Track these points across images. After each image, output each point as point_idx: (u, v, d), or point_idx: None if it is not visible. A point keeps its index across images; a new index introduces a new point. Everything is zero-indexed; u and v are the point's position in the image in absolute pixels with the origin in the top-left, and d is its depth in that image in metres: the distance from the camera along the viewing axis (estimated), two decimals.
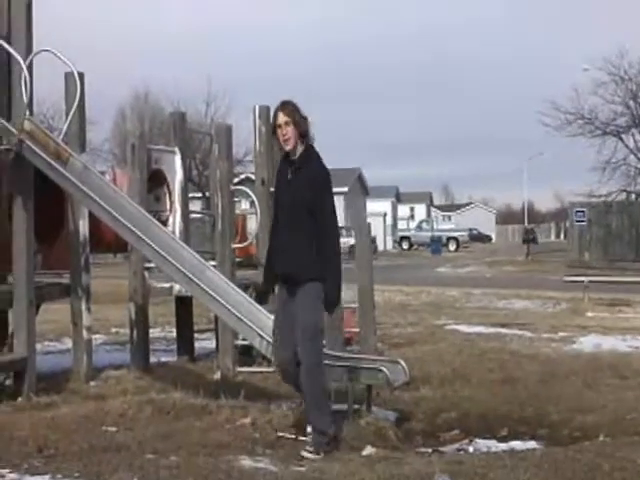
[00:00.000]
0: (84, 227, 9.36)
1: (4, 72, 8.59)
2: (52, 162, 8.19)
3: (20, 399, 8.12)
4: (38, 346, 9.14)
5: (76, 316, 9.30)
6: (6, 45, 8.40)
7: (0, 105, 8.51)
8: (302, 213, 6.57)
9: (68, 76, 9.30)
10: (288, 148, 6.64)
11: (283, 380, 7.03)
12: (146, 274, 10.10)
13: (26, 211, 8.53)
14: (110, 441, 6.67)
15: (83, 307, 9.27)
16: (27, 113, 8.33)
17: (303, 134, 6.65)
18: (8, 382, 8.64)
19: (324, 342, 7.23)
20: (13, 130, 8.26)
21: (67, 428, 7.02)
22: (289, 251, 6.63)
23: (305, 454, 6.48)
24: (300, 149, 6.68)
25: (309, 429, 6.74)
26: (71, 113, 9.04)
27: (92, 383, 9.00)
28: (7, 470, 5.93)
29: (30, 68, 8.44)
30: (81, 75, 9.12)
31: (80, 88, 8.98)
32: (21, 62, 8.30)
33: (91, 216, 9.07)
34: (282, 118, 6.61)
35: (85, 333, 9.24)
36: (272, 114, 6.80)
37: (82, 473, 5.79)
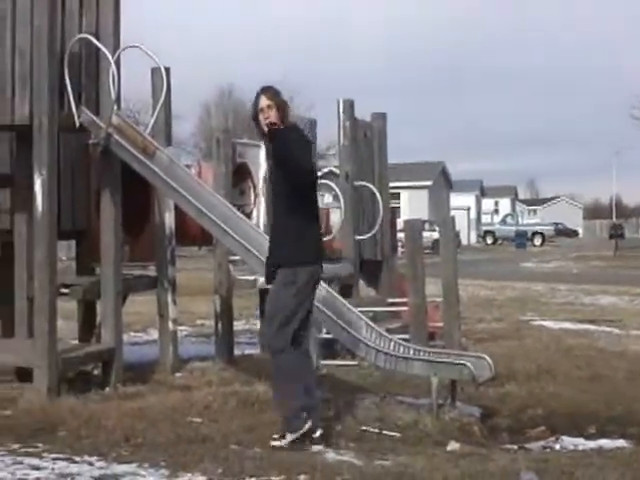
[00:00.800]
0: (170, 220, 9.48)
1: (93, 67, 8.72)
2: (139, 155, 8.31)
3: (108, 389, 8.26)
4: (125, 337, 9.27)
5: (162, 308, 9.42)
6: (95, 41, 8.53)
7: (89, 100, 8.65)
8: (279, 194, 6.55)
9: (155, 71, 9.44)
10: None
11: None
12: (231, 267, 10.18)
13: (114, 204, 8.67)
14: (195, 432, 6.73)
15: (169, 299, 9.39)
16: (115, 108, 8.46)
17: (284, 118, 6.55)
18: (96, 372, 8.81)
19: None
20: (101, 124, 8.40)
21: (153, 418, 7.09)
22: (270, 238, 6.76)
23: (272, 442, 6.37)
24: None
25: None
26: (157, 107, 9.15)
27: (178, 374, 9.11)
28: (95, 458, 6.05)
29: (118, 63, 8.56)
30: (167, 70, 9.24)
31: (166, 83, 9.09)
32: (109, 57, 8.43)
33: (177, 209, 9.18)
34: (264, 102, 6.53)
35: (171, 325, 9.35)
36: (253, 99, 6.72)
37: (168, 463, 5.88)
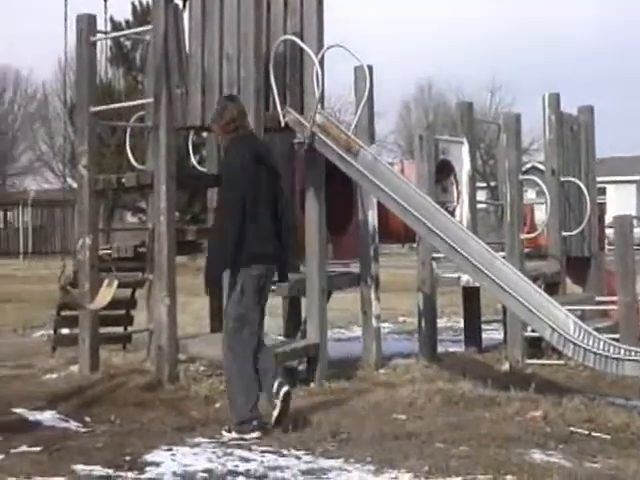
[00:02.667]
0: (373, 217, 9.54)
1: (297, 68, 8.90)
2: (343, 154, 8.40)
3: (312, 384, 8.39)
4: (329, 333, 9.40)
5: (365, 305, 9.49)
6: (299, 42, 8.70)
7: (293, 100, 8.83)
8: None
9: (357, 70, 9.53)
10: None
11: None
12: (434, 264, 10.16)
13: (318, 202, 8.81)
14: (400, 429, 6.74)
15: (372, 296, 9.44)
16: (319, 107, 8.60)
17: (225, 129, 6.88)
18: (301, 367, 8.96)
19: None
20: (306, 123, 8.55)
21: (358, 414, 7.18)
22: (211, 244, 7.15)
23: (223, 432, 6.66)
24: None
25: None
26: (361, 106, 9.24)
27: (381, 371, 9.15)
28: (302, 452, 6.17)
29: (322, 63, 8.70)
30: (370, 68, 9.33)
31: (369, 81, 9.17)
32: (313, 57, 8.58)
33: (380, 207, 9.23)
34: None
35: (374, 321, 9.41)
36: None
37: (374, 459, 5.92)
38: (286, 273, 7.01)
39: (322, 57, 8.79)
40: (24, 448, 6.36)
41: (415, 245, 10.74)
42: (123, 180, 9.42)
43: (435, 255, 9.90)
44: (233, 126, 6.84)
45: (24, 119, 50.28)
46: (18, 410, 7.64)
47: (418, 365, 9.36)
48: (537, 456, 6.04)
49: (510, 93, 58.64)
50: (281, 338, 9.82)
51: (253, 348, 6.71)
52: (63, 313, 9.82)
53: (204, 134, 10.98)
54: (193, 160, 10.94)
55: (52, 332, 10.23)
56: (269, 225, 6.76)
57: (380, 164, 8.48)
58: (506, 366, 9.67)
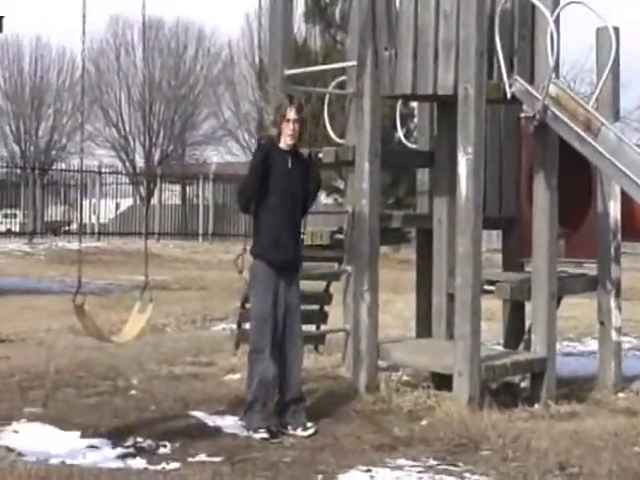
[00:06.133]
0: (615, 210, 9.31)
1: (527, 29, 8.74)
2: (581, 132, 8.23)
3: (537, 405, 8.29)
4: (557, 346, 9.23)
5: (603, 314, 9.28)
6: None
7: (522, 67, 8.68)
8: (301, 199, 7.70)
9: (600, 32, 9.26)
10: (292, 142, 7.61)
11: None
12: None
13: (549, 189, 8.65)
14: None
15: (612, 304, 9.21)
16: (553, 75, 8.44)
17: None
18: (524, 384, 8.86)
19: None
20: (537, 95, 8.40)
21: (592, 444, 7.03)
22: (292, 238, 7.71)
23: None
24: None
25: None
26: (604, 76, 8.98)
27: (621, 394, 8.93)
28: None
29: (557, 23, 8.51)
30: (616, 31, 9.04)
31: (615, 46, 8.90)
32: (548, 16, 8.39)
33: (624, 197, 9.00)
34: (295, 115, 7.59)
35: (614, 335, 9.18)
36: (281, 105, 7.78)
37: None
38: None
39: (558, 16, 8.59)
40: (203, 457, 6.61)
41: None
42: (320, 155, 9.50)
43: None
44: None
45: (207, 82, 51.61)
46: (196, 413, 7.91)
47: None
48: None
49: None
50: (499, 348, 9.76)
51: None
52: (248, 305, 10.04)
53: (414, 104, 10.98)
54: (400, 133, 10.95)
55: (235, 327, 10.43)
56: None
57: (626, 146, 8.25)
58: None
